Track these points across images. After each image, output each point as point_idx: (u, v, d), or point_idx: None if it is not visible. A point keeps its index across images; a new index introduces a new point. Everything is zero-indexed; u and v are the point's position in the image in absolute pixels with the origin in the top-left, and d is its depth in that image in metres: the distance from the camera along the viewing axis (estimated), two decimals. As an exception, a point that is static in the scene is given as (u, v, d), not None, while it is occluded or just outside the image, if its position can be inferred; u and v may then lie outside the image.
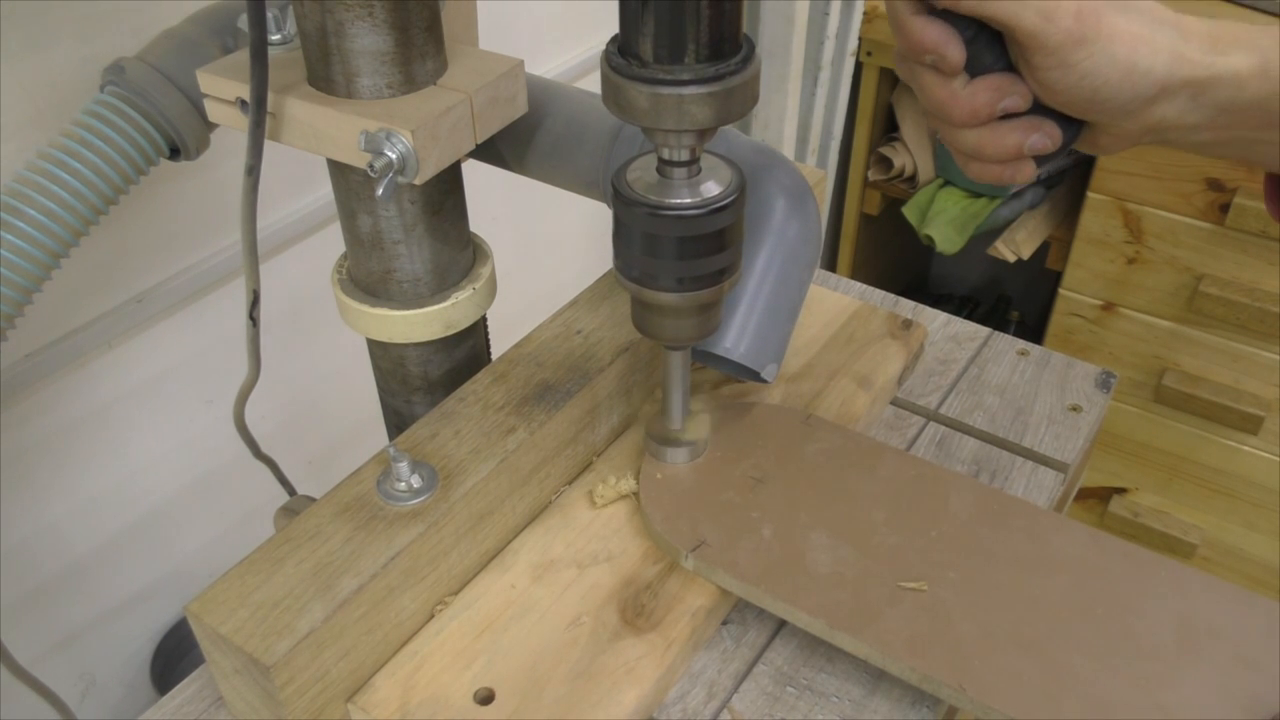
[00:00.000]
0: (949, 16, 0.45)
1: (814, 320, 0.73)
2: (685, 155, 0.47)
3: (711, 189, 0.48)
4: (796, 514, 0.56)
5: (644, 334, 0.54)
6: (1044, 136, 0.48)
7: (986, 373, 0.72)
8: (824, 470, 0.59)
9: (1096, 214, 1.44)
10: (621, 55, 0.44)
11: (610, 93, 0.45)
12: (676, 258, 0.49)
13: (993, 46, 0.47)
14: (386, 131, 0.49)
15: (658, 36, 0.42)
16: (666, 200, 0.48)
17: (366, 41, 0.49)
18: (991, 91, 0.47)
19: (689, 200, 0.48)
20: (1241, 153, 0.48)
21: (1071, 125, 0.49)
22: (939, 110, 0.48)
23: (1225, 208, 1.33)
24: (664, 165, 0.48)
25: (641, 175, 0.49)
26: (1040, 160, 0.50)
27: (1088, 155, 1.44)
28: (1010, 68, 0.47)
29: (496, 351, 0.64)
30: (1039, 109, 0.48)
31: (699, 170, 0.48)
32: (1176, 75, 0.45)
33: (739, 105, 0.44)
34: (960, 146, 0.49)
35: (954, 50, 0.46)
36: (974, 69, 0.47)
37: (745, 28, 0.45)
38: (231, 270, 0.90)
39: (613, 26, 0.45)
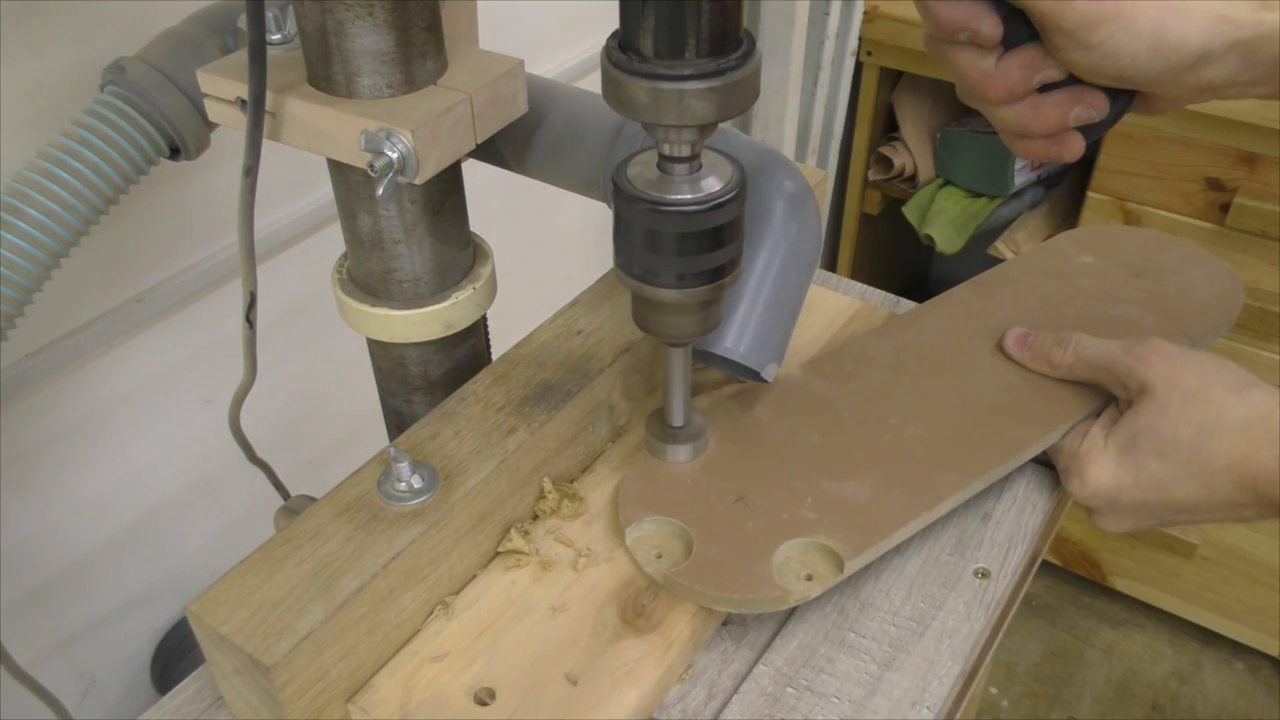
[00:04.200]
0: None
1: (814, 320, 0.73)
2: (686, 151, 0.47)
3: (712, 185, 0.48)
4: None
5: (645, 331, 0.54)
6: (1088, 108, 0.46)
7: (987, 373, 0.72)
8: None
9: (1096, 214, 1.44)
10: (622, 50, 0.44)
11: (610, 88, 0.45)
12: (677, 254, 0.49)
13: (1025, 19, 0.45)
14: (386, 131, 0.49)
15: (658, 31, 0.42)
16: (667, 196, 0.48)
17: (366, 41, 0.49)
18: (1024, 67, 0.45)
19: (690, 196, 0.48)
20: None
21: (1120, 95, 0.46)
22: (975, 89, 0.46)
23: (1225, 208, 1.33)
24: (665, 161, 0.48)
25: (642, 171, 0.49)
26: (1089, 131, 0.47)
27: (1088, 155, 1.45)
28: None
29: (497, 351, 0.64)
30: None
31: (700, 166, 0.48)
32: (1217, 40, 0.43)
33: (740, 100, 0.44)
34: (1003, 124, 0.47)
35: (988, 24, 0.44)
36: (1009, 42, 0.45)
37: (745, 26, 0.45)
38: (232, 270, 0.90)
39: (613, 26, 0.45)
